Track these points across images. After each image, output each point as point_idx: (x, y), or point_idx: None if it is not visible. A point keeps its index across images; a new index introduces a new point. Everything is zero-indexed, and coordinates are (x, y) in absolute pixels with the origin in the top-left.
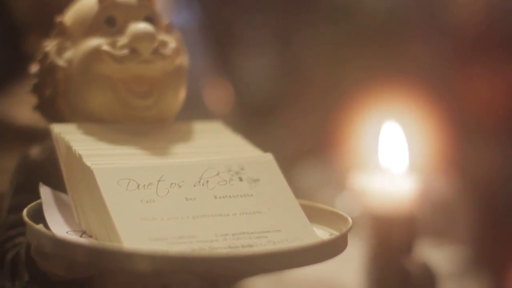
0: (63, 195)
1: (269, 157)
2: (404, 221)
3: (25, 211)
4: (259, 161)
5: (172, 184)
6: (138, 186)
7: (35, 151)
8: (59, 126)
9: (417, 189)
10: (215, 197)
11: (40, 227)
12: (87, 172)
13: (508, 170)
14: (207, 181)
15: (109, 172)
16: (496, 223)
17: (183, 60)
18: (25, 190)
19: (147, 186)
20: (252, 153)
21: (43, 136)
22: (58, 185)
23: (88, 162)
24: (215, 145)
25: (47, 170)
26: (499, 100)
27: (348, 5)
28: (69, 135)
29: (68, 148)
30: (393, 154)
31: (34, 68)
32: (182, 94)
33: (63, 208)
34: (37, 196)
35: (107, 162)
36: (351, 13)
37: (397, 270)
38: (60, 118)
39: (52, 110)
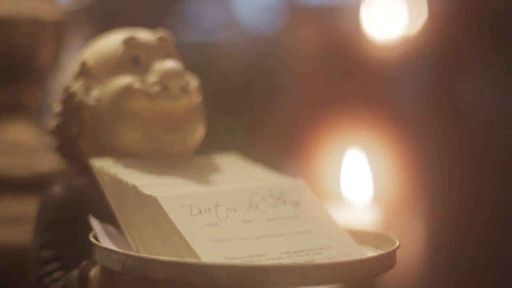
0: (110, 227)
1: (302, 181)
2: None
3: (99, 241)
4: (295, 185)
5: (228, 208)
6: (200, 211)
7: (59, 190)
8: (99, 161)
9: (381, 221)
10: (268, 219)
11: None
12: (148, 201)
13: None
14: (257, 205)
15: (172, 199)
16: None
17: (200, 98)
18: (56, 227)
19: (208, 211)
20: (284, 179)
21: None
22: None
23: (147, 191)
24: (246, 174)
25: (76, 207)
26: None
27: None
28: (113, 168)
29: (117, 180)
30: (356, 184)
31: (57, 108)
32: (202, 130)
33: (114, 240)
34: (68, 233)
35: (163, 190)
36: None
37: None
38: (80, 158)
39: (74, 150)
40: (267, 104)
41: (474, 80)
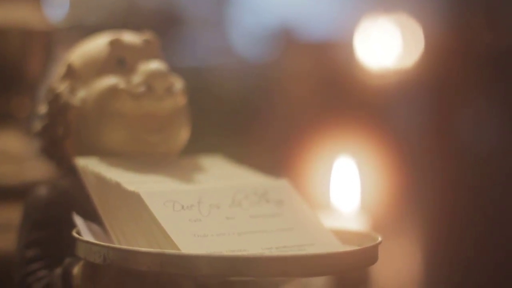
0: (93, 225)
1: (286, 181)
2: None
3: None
4: (279, 185)
5: (211, 205)
6: (183, 207)
7: (44, 190)
8: (83, 160)
9: (368, 229)
10: (251, 216)
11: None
12: (131, 197)
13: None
14: (240, 203)
15: (155, 195)
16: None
17: (186, 100)
18: (42, 226)
19: (190, 207)
20: (268, 179)
21: None
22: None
23: (129, 187)
24: (230, 173)
25: (61, 207)
26: None
27: None
28: (97, 167)
29: (100, 178)
30: (345, 191)
31: (43, 109)
32: (187, 132)
33: (97, 237)
34: (53, 233)
35: (146, 187)
36: None
37: None
38: (66, 159)
39: (59, 151)
40: (259, 123)
41: (470, 111)
